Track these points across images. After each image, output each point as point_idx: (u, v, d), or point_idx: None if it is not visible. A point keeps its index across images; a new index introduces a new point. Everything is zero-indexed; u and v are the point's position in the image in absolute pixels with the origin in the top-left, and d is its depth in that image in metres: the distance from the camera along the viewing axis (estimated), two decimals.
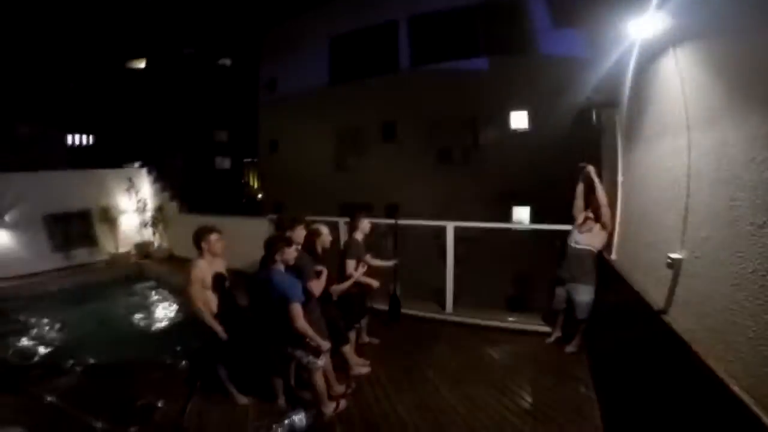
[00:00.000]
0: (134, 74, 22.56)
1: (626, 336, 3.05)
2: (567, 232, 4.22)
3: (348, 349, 3.75)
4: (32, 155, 17.01)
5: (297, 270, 3.02)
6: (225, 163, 22.68)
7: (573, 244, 4.02)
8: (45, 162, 13.87)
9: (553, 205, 5.08)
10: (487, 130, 9.05)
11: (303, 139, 11.82)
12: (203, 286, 3.13)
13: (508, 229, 6.53)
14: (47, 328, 6.34)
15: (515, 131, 8.81)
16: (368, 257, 4.11)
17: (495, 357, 4.20)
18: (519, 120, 8.78)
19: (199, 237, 3.23)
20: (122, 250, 9.76)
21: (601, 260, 3.89)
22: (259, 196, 16.34)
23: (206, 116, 21.35)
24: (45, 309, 7.04)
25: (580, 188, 4.20)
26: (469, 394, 3.47)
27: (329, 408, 3.20)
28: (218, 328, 3.08)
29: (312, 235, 3.51)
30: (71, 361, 4.15)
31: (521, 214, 8.75)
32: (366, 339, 4.39)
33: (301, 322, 2.75)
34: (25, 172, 8.91)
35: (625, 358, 2.94)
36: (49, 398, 3.01)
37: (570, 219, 4.24)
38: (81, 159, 19.00)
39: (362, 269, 3.82)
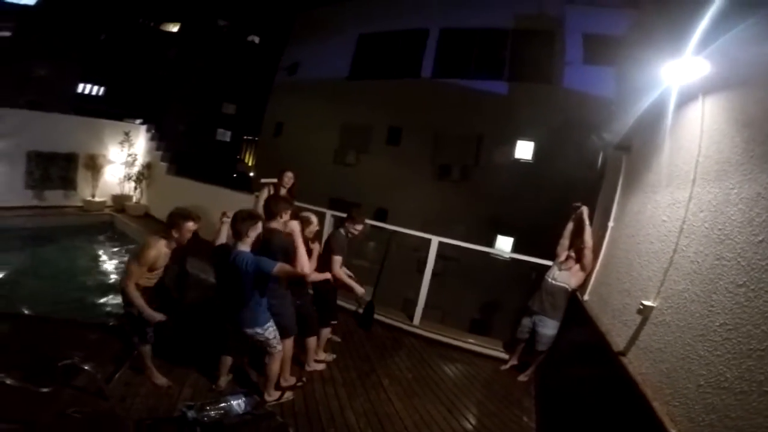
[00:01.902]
0: (164, 36, 22.49)
1: (579, 373, 3.10)
2: (545, 267, 4.28)
3: (312, 343, 3.64)
4: (39, 96, 16.80)
5: (275, 249, 2.92)
6: (226, 135, 22.49)
7: (550, 279, 4.07)
8: (52, 104, 13.67)
9: (537, 237, 5.11)
10: (491, 153, 9.08)
11: (308, 127, 11.74)
12: (150, 267, 2.91)
13: (488, 255, 6.53)
14: None
15: (518, 160, 8.86)
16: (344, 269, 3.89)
17: (450, 375, 4.21)
18: (525, 150, 8.80)
19: (174, 221, 2.92)
20: (99, 198, 9.50)
21: (572, 299, 3.94)
22: (252, 173, 16.16)
23: (220, 87, 21.26)
24: (4, 246, 6.74)
25: (569, 227, 4.25)
26: (418, 407, 3.45)
27: (273, 396, 3.10)
28: (148, 311, 2.82)
29: (301, 223, 3.43)
30: (5, 307, 3.88)
31: (504, 244, 8.79)
32: (323, 355, 4.08)
33: (293, 269, 2.69)
34: (22, 110, 8.68)
35: (573, 394, 2.98)
36: None
37: (551, 255, 4.29)
38: (88, 107, 18.77)
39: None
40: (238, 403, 2.45)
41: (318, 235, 3.88)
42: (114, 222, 9.24)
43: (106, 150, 9.75)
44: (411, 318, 5.20)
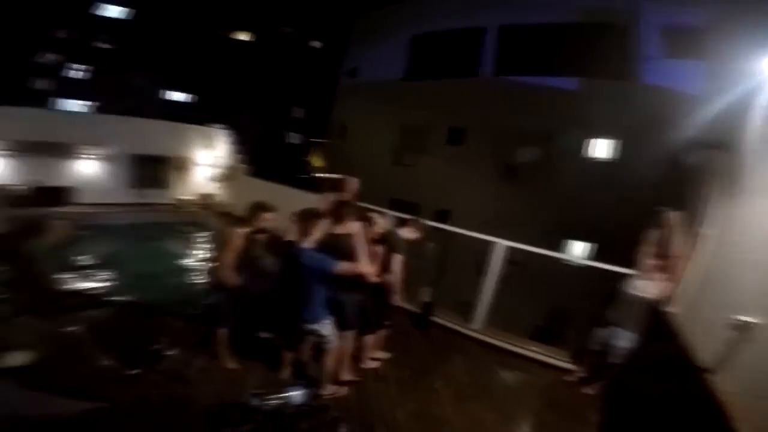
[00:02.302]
0: (238, 45, 24.47)
1: (655, 388, 2.79)
2: (623, 275, 3.91)
3: (369, 340, 3.70)
4: (139, 104, 19.29)
5: (340, 251, 2.99)
6: (296, 138, 23.86)
7: (630, 290, 3.71)
8: (147, 111, 15.64)
9: (615, 243, 4.67)
10: (561, 152, 8.49)
11: (369, 129, 11.97)
12: (235, 254, 3.20)
13: (559, 261, 6.10)
14: (99, 258, 6.91)
15: (594, 160, 8.18)
16: None
17: (508, 382, 4.05)
18: (601, 149, 8.13)
19: (253, 212, 3.28)
20: (188, 197, 10.54)
21: (654, 311, 3.54)
22: (319, 174, 16.88)
23: (289, 92, 22.59)
24: (108, 239, 7.77)
25: (655, 234, 3.80)
26: (471, 412, 3.34)
27: (328, 390, 3.19)
28: (233, 280, 3.14)
29: (366, 223, 3.45)
30: (108, 295, 4.38)
31: (577, 250, 8.15)
32: (378, 354, 4.04)
33: (354, 267, 2.76)
34: (127, 117, 9.97)
35: (646, 410, 2.68)
36: (71, 328, 3.14)
37: (631, 262, 3.88)
38: (178, 114, 21.19)
39: None
40: (297, 395, 2.57)
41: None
42: (199, 218, 10.16)
43: (193, 153, 10.80)
44: (470, 321, 5.04)
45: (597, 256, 6.76)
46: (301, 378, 3.31)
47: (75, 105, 20.95)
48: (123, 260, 6.98)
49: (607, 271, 4.32)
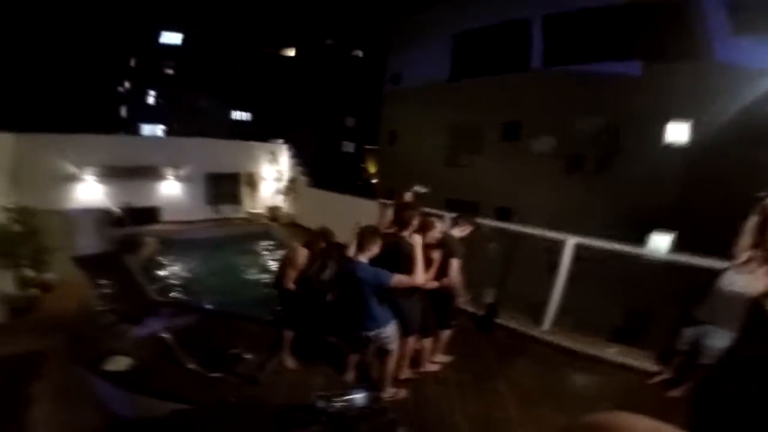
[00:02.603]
0: (285, 61, 25.94)
1: (755, 392, 2.39)
2: (715, 270, 3.47)
3: (428, 344, 3.69)
4: (205, 124, 21.09)
5: (402, 257, 3.05)
6: (349, 147, 24.59)
7: (726, 286, 3.30)
8: (213, 131, 17.07)
9: (703, 236, 4.17)
10: (632, 140, 7.79)
11: (420, 132, 11.95)
12: (298, 271, 3.60)
13: (638, 256, 5.54)
14: (186, 269, 7.67)
15: (670, 145, 7.39)
16: None
17: (581, 385, 3.79)
18: (677, 133, 7.31)
19: (313, 238, 3.71)
20: (257, 211, 11.32)
21: (754, 308, 3.08)
22: (374, 180, 17.16)
23: (339, 102, 23.38)
24: (192, 252, 8.59)
25: (752, 222, 3.33)
26: (537, 416, 3.17)
27: (388, 393, 3.24)
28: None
29: (426, 226, 3.47)
30: (193, 303, 4.84)
31: (659, 242, 7.37)
32: (440, 357, 3.99)
33: (409, 280, 2.81)
34: (198, 138, 10.98)
35: (742, 416, 2.31)
36: (163, 334, 3.42)
37: (725, 256, 3.44)
38: (240, 131, 22.81)
39: None
40: (359, 397, 2.61)
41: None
42: (269, 230, 10.85)
43: (259, 168, 11.60)
44: (539, 323, 4.79)
45: (680, 248, 6.05)
46: (364, 380, 3.40)
47: (151, 129, 23.25)
48: (203, 271, 7.71)
49: (692, 265, 3.87)
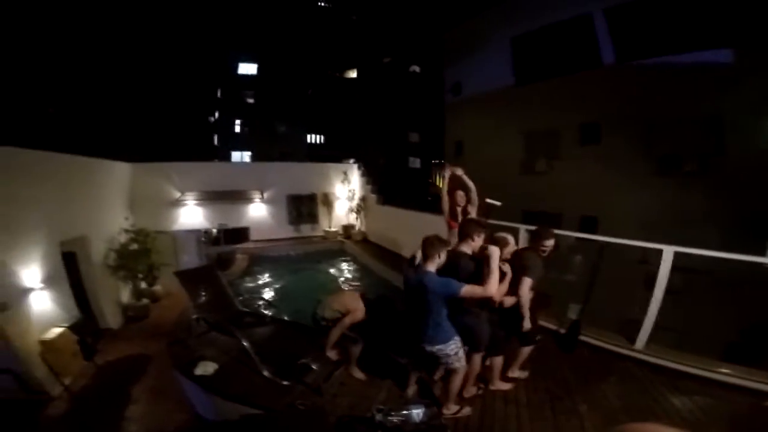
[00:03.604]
0: (349, 83, 27.34)
1: None
2: None
3: (498, 362, 3.51)
4: (284, 148, 22.85)
5: (461, 271, 2.99)
6: (416, 162, 24.76)
7: None
8: (293, 154, 18.50)
9: None
10: (734, 135, 6.70)
11: (488, 141, 11.58)
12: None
13: (757, 264, 4.65)
14: (270, 283, 8.27)
15: None
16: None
17: (679, 408, 3.26)
18: None
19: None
20: (333, 229, 11.86)
21: None
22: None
23: (402, 119, 23.81)
24: (275, 268, 9.27)
25: None
26: None
27: (451, 410, 3.13)
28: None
29: (497, 243, 3.30)
30: (272, 314, 5.15)
31: None
32: (516, 372, 3.82)
33: (482, 290, 2.71)
34: (279, 162, 11.96)
35: None
36: (245, 343, 3.55)
37: None
38: (315, 153, 24.26)
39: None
40: (417, 413, 2.57)
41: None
42: (344, 247, 11.31)
43: (333, 188, 12.22)
44: (632, 341, 4.27)
45: None
46: (425, 396, 3.31)
47: (239, 155, 25.38)
48: (285, 285, 8.27)
49: None
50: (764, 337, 5.00)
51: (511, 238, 3.50)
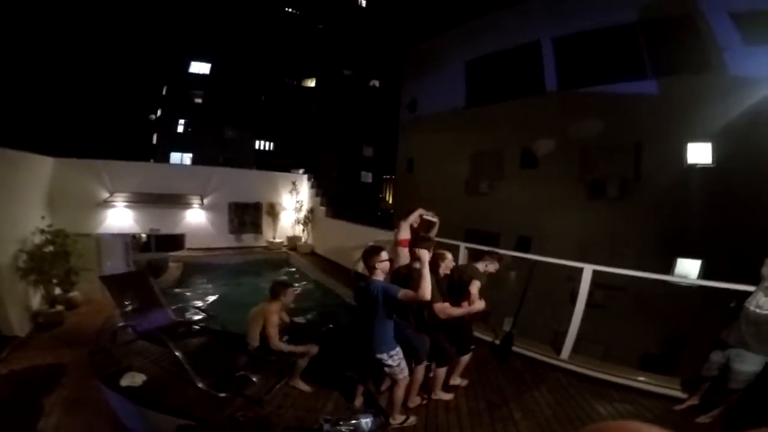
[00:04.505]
0: (306, 92, 27.16)
1: None
2: (745, 292, 3.35)
3: (441, 373, 3.59)
4: (230, 153, 21.82)
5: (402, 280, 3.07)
6: (368, 177, 24.92)
7: (753, 308, 3.19)
8: (239, 160, 17.67)
9: (732, 257, 3.99)
10: (653, 162, 7.66)
11: (437, 160, 12.01)
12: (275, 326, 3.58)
13: (665, 282, 5.30)
14: (206, 293, 7.83)
15: (692, 166, 7.23)
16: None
17: (603, 414, 3.53)
18: (699, 153, 7.17)
19: (278, 290, 3.67)
20: (278, 240, 11.53)
21: None
22: (392, 210, 17.28)
23: (357, 132, 24.05)
24: (213, 277, 8.78)
25: None
26: None
27: (397, 420, 3.16)
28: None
29: (437, 258, 3.49)
30: (207, 325, 4.88)
31: (688, 267, 7.07)
32: (457, 380, 3.96)
33: (415, 294, 2.73)
34: (223, 167, 11.45)
35: None
36: (177, 353, 3.37)
37: (753, 278, 3.30)
38: (263, 161, 23.42)
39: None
40: (366, 422, 2.56)
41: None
42: (289, 258, 11.03)
43: (280, 198, 11.93)
44: (559, 351, 4.60)
45: (710, 272, 5.78)
46: (372, 407, 3.32)
47: (179, 157, 23.43)
48: (221, 296, 7.84)
49: (720, 288, 3.68)
50: (675, 348, 5.61)
51: (449, 254, 3.64)
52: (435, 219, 4.88)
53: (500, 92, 10.69)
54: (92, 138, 19.09)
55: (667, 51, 7.67)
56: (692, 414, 3.48)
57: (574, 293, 4.64)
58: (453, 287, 3.62)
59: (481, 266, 3.78)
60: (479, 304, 3.46)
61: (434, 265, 3.44)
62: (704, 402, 3.53)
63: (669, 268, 6.98)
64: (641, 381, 4.03)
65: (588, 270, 4.44)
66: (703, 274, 6.68)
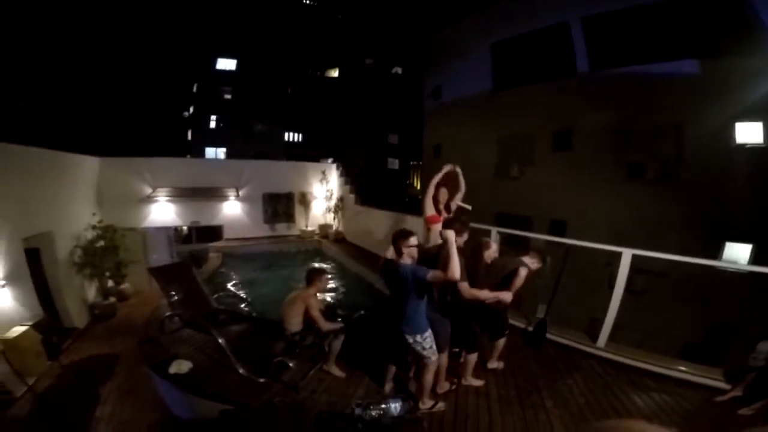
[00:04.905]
0: (330, 82, 27.27)
1: None
2: None
3: (472, 359, 3.63)
4: (261, 146, 22.36)
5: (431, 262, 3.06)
6: (395, 164, 24.89)
7: None
8: (269, 153, 18.12)
9: None
10: (698, 143, 7.16)
11: (465, 145, 11.76)
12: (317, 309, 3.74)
13: (710, 268, 4.99)
14: (244, 282, 8.17)
15: (742, 146, 6.71)
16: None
17: (639, 404, 3.44)
18: (749, 133, 6.65)
19: (313, 276, 3.80)
20: (310, 228, 11.80)
21: None
22: (420, 197, 17.17)
23: (382, 120, 23.93)
24: (250, 266, 9.15)
25: None
26: None
27: (426, 405, 3.21)
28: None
29: (481, 247, 3.53)
30: (248, 312, 5.09)
31: (738, 252, 6.62)
32: (494, 364, 4.01)
33: (444, 274, 2.74)
34: (256, 160, 11.78)
35: None
36: (220, 340, 3.53)
37: None
38: (292, 152, 23.88)
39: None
40: (395, 407, 2.62)
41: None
42: (321, 246, 11.29)
43: (311, 188, 12.16)
44: (595, 339, 4.50)
45: (758, 257, 5.38)
46: (401, 392, 3.40)
47: (214, 152, 24.58)
48: (258, 283, 8.17)
49: None
50: (717, 336, 5.34)
51: (494, 244, 3.65)
52: (468, 207, 4.84)
53: (529, 75, 10.32)
54: (133, 137, 20.07)
55: (708, 31, 7.11)
56: (735, 406, 3.35)
57: (612, 279, 4.51)
58: (492, 275, 3.61)
59: (527, 261, 3.73)
60: (508, 295, 3.44)
61: (478, 253, 3.49)
62: (748, 393, 3.38)
63: (715, 254, 6.57)
64: (680, 370, 3.90)
65: (627, 254, 4.30)
66: (754, 259, 6.25)
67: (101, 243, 6.08)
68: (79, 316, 5.43)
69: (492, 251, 3.57)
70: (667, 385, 3.77)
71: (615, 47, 8.47)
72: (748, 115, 6.59)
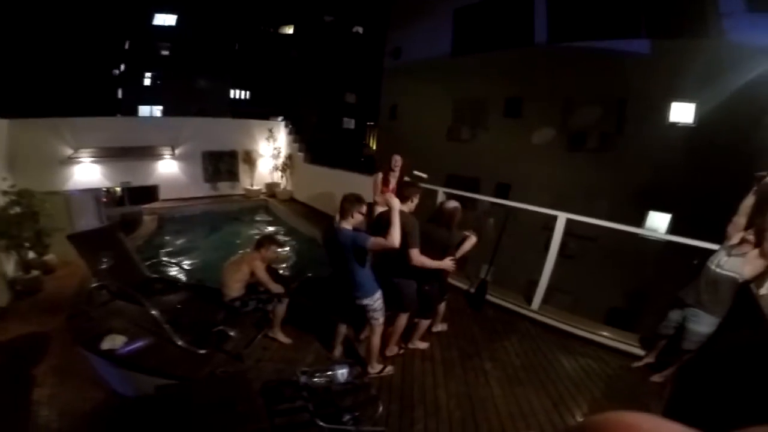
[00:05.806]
0: (283, 39, 25.47)
1: (737, 381, 2.38)
2: (710, 251, 3.37)
3: (424, 324, 3.72)
4: (203, 104, 20.77)
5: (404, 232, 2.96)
6: (350, 123, 24.27)
7: (714, 267, 3.19)
8: (212, 110, 16.90)
9: (702, 216, 4.10)
10: (635, 118, 7.63)
11: (421, 107, 11.74)
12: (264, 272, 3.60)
13: (635, 235, 5.45)
14: (182, 246, 7.75)
15: (674, 124, 7.24)
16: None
17: (566, 367, 3.75)
18: (682, 112, 7.18)
19: (262, 242, 3.70)
20: (255, 187, 11.31)
21: (742, 292, 3.03)
22: (375, 156, 16.99)
23: (339, 79, 22.93)
24: (188, 228, 8.65)
25: (749, 202, 3.20)
26: (519, 396, 3.21)
27: (375, 369, 3.28)
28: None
29: (453, 215, 3.43)
30: (185, 279, 4.80)
31: (658, 221, 7.31)
32: (439, 327, 4.17)
33: (385, 241, 2.74)
34: (195, 117, 10.83)
35: (722, 405, 2.32)
36: (153, 312, 3.32)
37: (719, 237, 3.35)
38: (239, 109, 22.48)
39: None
40: (342, 372, 2.64)
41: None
42: (268, 205, 10.90)
43: (257, 146, 11.53)
44: (530, 302, 4.76)
45: (680, 228, 5.97)
46: (351, 356, 3.45)
47: (148, 110, 23.11)
48: (197, 248, 7.77)
49: (688, 245, 3.78)
50: (636, 303, 5.90)
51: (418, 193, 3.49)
52: (424, 175, 4.80)
53: (486, 42, 10.25)
54: (51, 97, 17.72)
55: (665, 12, 7.37)
56: (648, 372, 3.60)
57: (548, 242, 4.74)
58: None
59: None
60: (452, 265, 3.45)
61: (450, 221, 3.41)
62: (659, 361, 3.64)
63: (640, 221, 7.21)
64: (603, 336, 4.18)
65: (562, 218, 4.49)
66: (672, 229, 6.93)
67: (17, 209, 5.34)
68: (0, 294, 4.84)
69: (459, 215, 3.51)
70: (592, 349, 4.05)
71: (574, 21, 8.57)
72: (685, 96, 7.05)
